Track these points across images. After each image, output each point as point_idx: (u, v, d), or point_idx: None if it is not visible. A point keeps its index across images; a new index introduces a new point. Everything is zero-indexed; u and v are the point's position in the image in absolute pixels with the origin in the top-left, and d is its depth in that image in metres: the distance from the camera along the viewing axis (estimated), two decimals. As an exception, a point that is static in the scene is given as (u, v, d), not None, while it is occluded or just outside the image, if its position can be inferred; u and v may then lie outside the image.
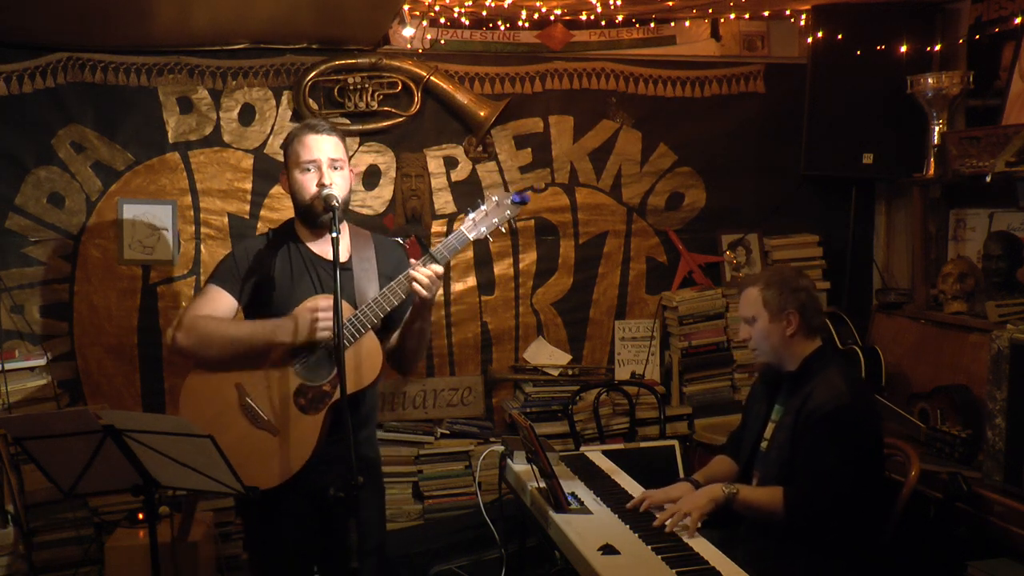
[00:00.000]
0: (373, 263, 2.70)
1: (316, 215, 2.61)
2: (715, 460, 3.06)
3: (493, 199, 2.62)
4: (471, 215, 2.61)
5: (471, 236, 2.60)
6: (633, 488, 2.88)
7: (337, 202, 2.49)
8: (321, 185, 2.56)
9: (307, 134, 2.61)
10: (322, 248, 2.66)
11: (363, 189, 3.90)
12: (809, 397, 2.56)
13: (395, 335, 2.72)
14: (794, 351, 2.67)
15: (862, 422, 2.53)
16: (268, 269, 2.63)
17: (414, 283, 2.49)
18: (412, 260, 2.60)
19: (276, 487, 2.49)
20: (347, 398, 2.48)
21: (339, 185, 2.60)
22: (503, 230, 2.65)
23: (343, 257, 2.66)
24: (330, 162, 2.60)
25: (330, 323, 2.48)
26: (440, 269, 2.54)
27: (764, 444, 2.73)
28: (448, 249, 2.58)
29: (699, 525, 2.48)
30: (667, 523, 2.48)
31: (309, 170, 2.59)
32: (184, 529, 3.39)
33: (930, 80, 3.54)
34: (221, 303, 2.61)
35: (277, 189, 3.82)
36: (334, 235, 2.37)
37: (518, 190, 4.01)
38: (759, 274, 2.79)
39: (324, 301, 2.50)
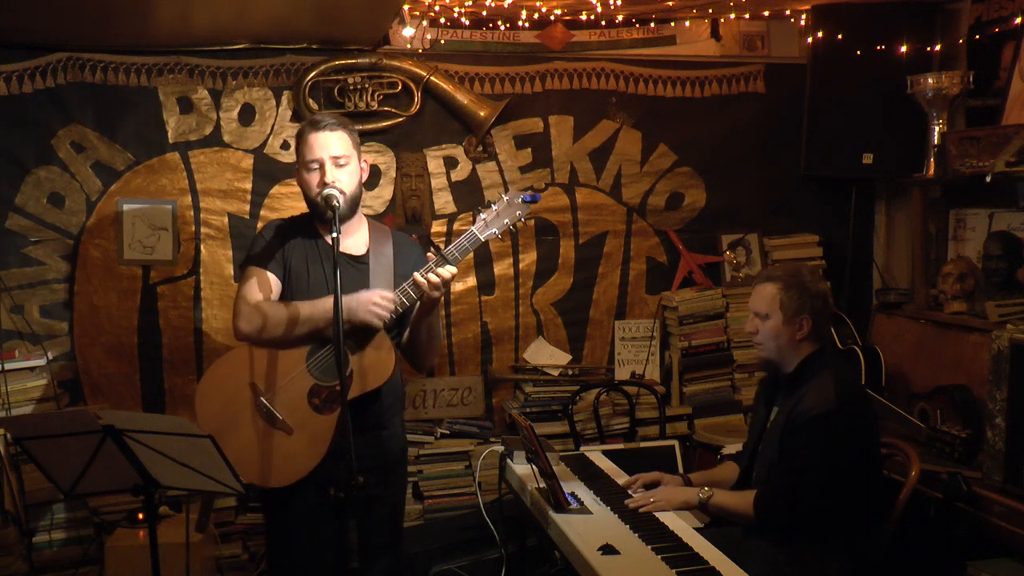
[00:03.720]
0: (390, 259, 2.70)
1: (321, 213, 2.62)
2: (723, 465, 3.07)
3: (504, 198, 2.61)
4: (482, 215, 2.61)
5: (483, 237, 2.60)
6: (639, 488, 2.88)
7: (338, 202, 2.51)
8: (323, 184, 2.57)
9: (311, 132, 2.61)
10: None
11: (363, 189, 3.89)
12: (800, 401, 2.56)
13: (406, 333, 2.74)
14: (797, 353, 2.67)
15: (846, 429, 2.51)
16: (290, 255, 2.66)
17: (428, 283, 2.52)
18: (429, 255, 2.59)
19: (293, 484, 2.53)
20: (360, 397, 2.56)
21: (345, 182, 2.60)
22: (513, 230, 2.65)
23: (361, 250, 2.70)
24: (333, 160, 2.60)
25: (386, 314, 2.52)
26: (455, 270, 2.56)
27: (761, 446, 2.74)
28: (460, 250, 2.58)
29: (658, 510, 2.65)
30: (641, 506, 2.65)
31: (313, 169, 2.60)
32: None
33: (930, 80, 3.53)
34: (269, 284, 2.63)
35: (277, 189, 3.82)
36: (334, 235, 2.39)
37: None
38: (780, 271, 2.74)
39: (388, 293, 2.55)
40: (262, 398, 2.56)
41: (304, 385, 2.58)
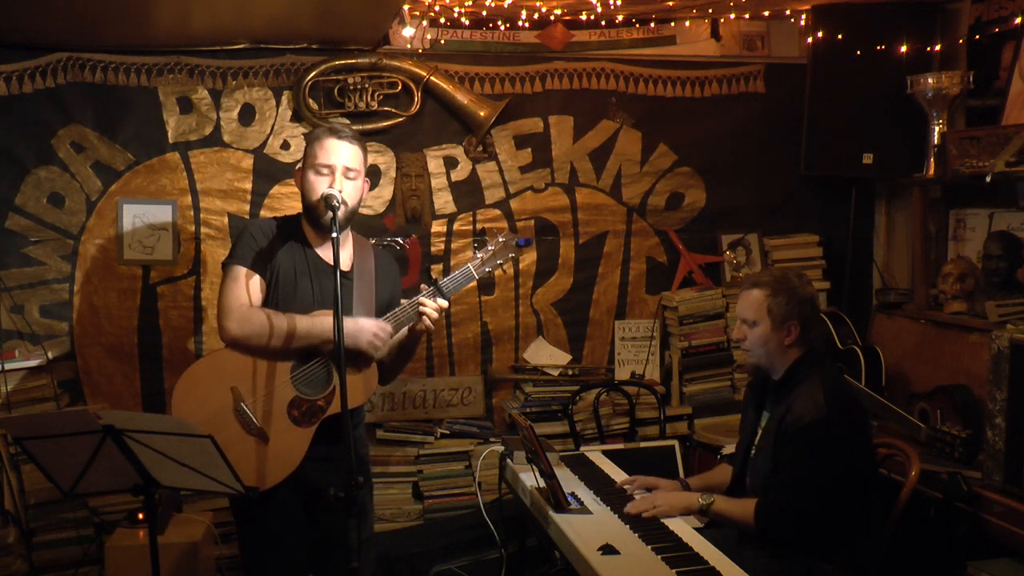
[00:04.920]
0: (372, 276, 2.76)
1: (319, 216, 2.64)
2: (718, 467, 3.07)
3: (500, 239, 2.80)
4: (478, 254, 2.79)
5: (477, 275, 2.79)
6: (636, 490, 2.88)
7: (338, 202, 2.53)
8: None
9: (329, 137, 2.64)
10: (326, 254, 2.68)
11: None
12: (790, 408, 2.56)
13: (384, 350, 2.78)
14: (785, 359, 2.67)
15: (839, 435, 2.50)
16: (279, 262, 2.67)
17: (423, 315, 2.65)
18: (423, 286, 2.72)
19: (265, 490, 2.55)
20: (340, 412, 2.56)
21: (349, 194, 2.63)
22: (503, 272, 2.87)
23: (346, 266, 2.72)
24: (344, 170, 2.63)
25: (384, 348, 2.63)
26: (446, 304, 2.69)
27: (754, 451, 2.74)
28: (455, 284, 2.74)
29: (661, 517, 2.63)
30: (642, 512, 2.63)
31: (322, 173, 2.62)
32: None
33: (930, 80, 3.53)
34: (255, 286, 2.63)
35: (277, 189, 3.82)
36: (334, 235, 2.40)
37: (518, 190, 4.03)
38: (765, 276, 2.72)
39: (386, 326, 2.64)
40: (242, 403, 2.56)
41: (286, 396, 2.59)
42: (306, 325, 2.57)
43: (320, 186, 2.60)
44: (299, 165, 2.73)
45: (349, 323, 2.54)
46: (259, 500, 2.53)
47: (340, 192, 2.58)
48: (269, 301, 2.65)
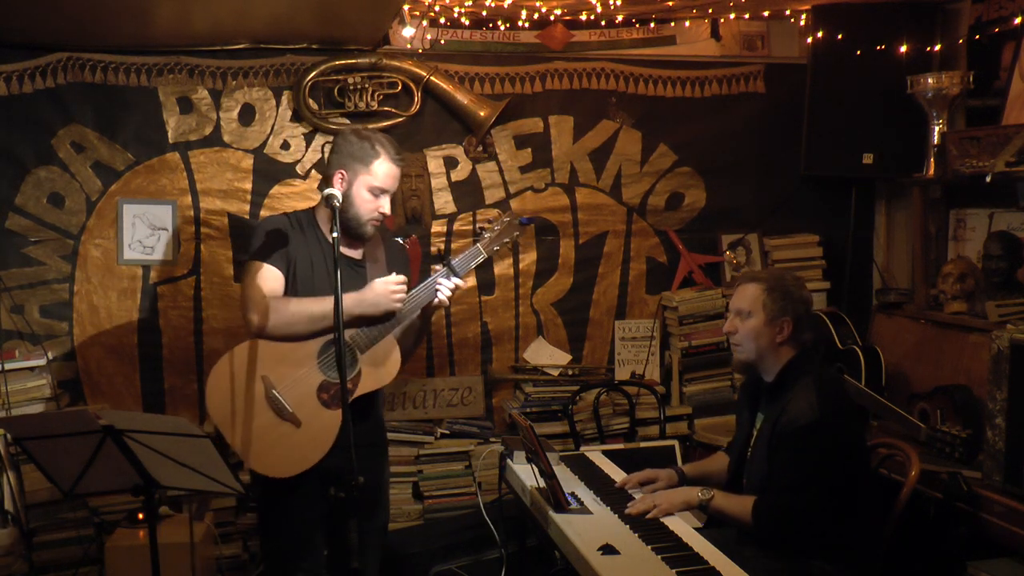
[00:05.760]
0: (383, 263, 2.86)
1: (364, 235, 2.78)
2: (715, 455, 3.08)
3: (505, 219, 2.92)
4: (485, 234, 2.90)
5: (486, 253, 2.90)
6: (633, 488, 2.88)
7: (338, 201, 2.56)
8: (381, 213, 2.74)
9: (391, 163, 2.75)
10: (343, 248, 2.76)
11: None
12: (784, 410, 2.57)
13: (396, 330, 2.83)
14: (776, 358, 2.67)
15: (833, 437, 2.51)
16: (295, 254, 2.75)
17: (439, 294, 2.76)
18: (435, 267, 2.85)
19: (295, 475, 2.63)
20: (366, 394, 2.72)
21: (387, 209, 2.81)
22: (509, 249, 2.83)
23: (358, 254, 2.85)
24: (391, 193, 2.78)
25: (404, 296, 2.70)
26: (460, 282, 2.80)
27: (749, 452, 2.74)
28: (466, 263, 2.85)
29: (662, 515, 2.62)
30: (644, 513, 2.61)
31: (378, 195, 2.74)
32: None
33: (930, 80, 3.53)
34: (276, 278, 2.71)
35: (277, 189, 3.82)
36: (334, 234, 2.45)
37: (518, 190, 4.04)
38: (763, 272, 2.76)
39: (396, 276, 2.71)
40: (273, 391, 2.64)
41: (314, 380, 2.68)
42: (328, 308, 2.63)
43: (369, 205, 2.73)
44: (338, 166, 2.73)
45: (367, 293, 2.66)
46: (285, 490, 2.62)
47: (386, 214, 2.77)
48: (288, 292, 2.73)
